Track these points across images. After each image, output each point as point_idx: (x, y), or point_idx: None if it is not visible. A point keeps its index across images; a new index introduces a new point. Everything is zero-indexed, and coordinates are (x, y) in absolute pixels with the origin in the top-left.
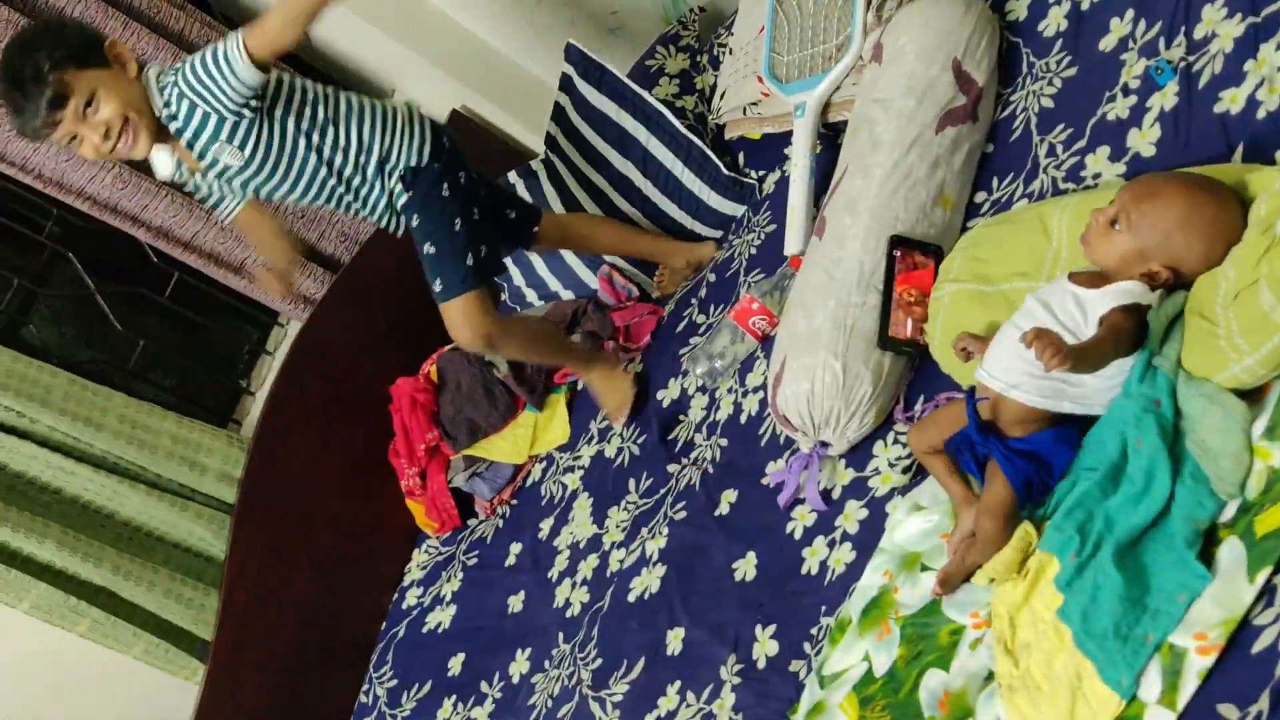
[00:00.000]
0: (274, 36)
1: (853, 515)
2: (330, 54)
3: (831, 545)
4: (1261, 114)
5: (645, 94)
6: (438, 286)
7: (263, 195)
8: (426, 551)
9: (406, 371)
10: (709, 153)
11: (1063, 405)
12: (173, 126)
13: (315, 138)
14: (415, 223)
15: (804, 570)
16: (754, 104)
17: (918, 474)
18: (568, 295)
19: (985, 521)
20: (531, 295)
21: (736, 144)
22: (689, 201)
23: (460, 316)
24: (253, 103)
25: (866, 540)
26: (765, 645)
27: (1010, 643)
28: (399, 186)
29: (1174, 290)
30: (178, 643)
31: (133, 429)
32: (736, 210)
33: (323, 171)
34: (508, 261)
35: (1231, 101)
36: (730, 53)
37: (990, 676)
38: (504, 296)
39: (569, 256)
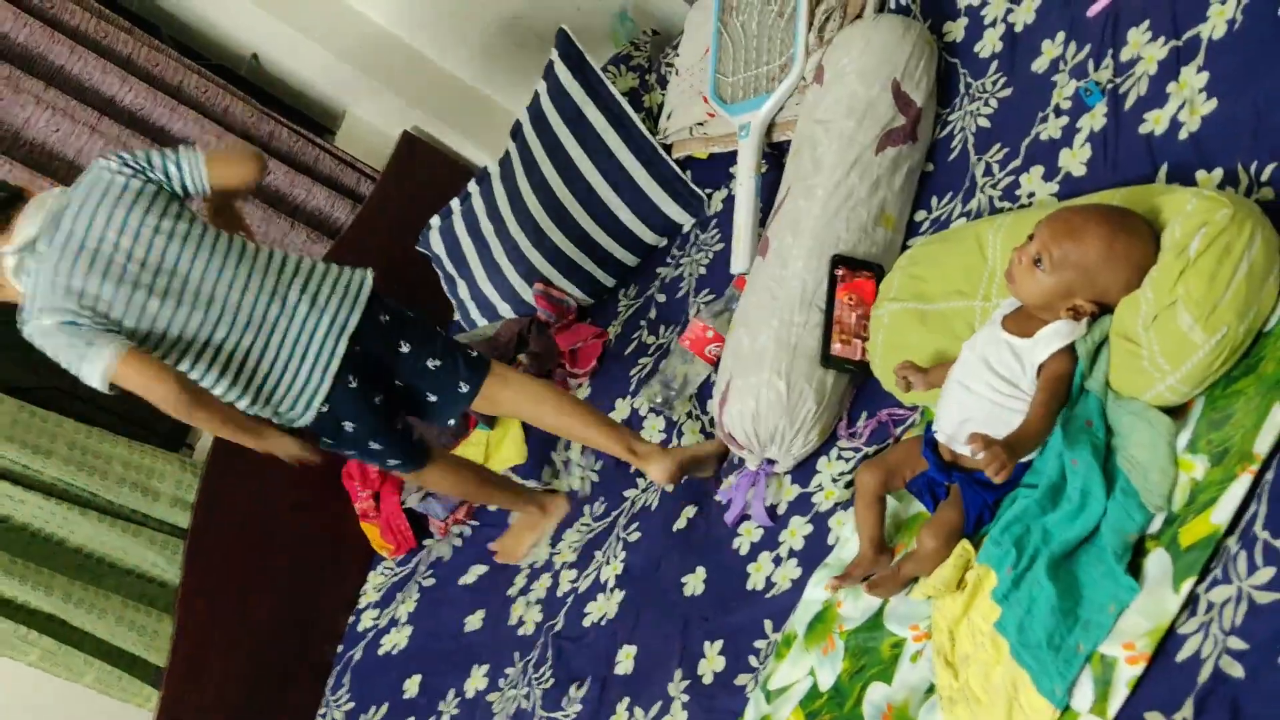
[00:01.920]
0: (224, 182)
1: (798, 531)
2: (279, 75)
3: (777, 561)
4: (1183, 135)
5: (615, 92)
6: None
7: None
8: (382, 573)
9: None
10: (668, 159)
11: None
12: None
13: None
14: (354, 382)
15: (749, 586)
16: (700, 124)
17: None
18: (507, 311)
19: (927, 539)
20: (476, 314)
21: (684, 163)
22: (640, 203)
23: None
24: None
25: (811, 555)
26: (713, 661)
27: (950, 655)
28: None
29: (1098, 316)
30: (130, 669)
31: (83, 455)
32: (685, 219)
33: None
34: (458, 283)
35: (1156, 122)
36: (676, 73)
37: (931, 689)
38: (455, 316)
39: (509, 273)
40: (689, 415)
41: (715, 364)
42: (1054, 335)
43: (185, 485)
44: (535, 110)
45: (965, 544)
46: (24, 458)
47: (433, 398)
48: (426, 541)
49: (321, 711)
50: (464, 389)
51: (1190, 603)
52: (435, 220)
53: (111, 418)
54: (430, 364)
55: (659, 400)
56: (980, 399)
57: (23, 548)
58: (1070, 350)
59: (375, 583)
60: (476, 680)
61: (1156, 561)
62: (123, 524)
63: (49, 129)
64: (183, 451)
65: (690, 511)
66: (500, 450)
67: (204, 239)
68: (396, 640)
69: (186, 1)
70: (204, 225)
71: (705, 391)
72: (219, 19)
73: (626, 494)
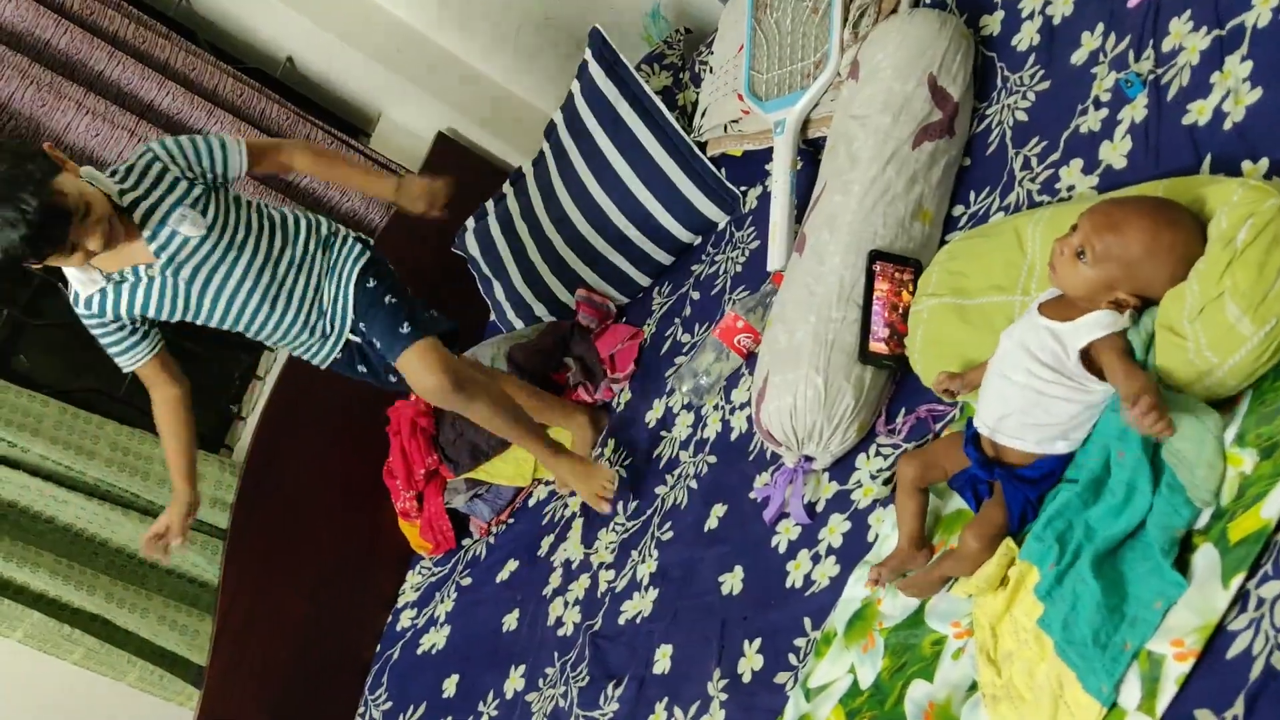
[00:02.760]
0: (278, 162)
1: (836, 529)
2: (315, 78)
3: (815, 559)
4: (1228, 125)
5: (649, 90)
6: (405, 328)
7: (204, 298)
8: (420, 573)
9: (398, 396)
10: (703, 157)
11: (1056, 446)
12: (129, 199)
13: (269, 212)
14: (372, 282)
15: (788, 584)
16: (735, 121)
17: None
18: (543, 312)
19: (970, 539)
20: (512, 315)
21: (719, 161)
22: (675, 201)
23: (430, 354)
24: (222, 181)
25: (850, 553)
26: (751, 660)
27: (993, 652)
28: (357, 246)
29: (1141, 309)
30: (172, 669)
31: (124, 456)
32: (719, 217)
33: (277, 239)
34: (494, 284)
35: (1199, 113)
36: (711, 71)
37: (974, 687)
38: (490, 317)
39: (547, 276)
40: (715, 407)
41: (745, 356)
42: (1095, 324)
43: (225, 485)
44: (569, 110)
45: (1009, 542)
46: (67, 459)
47: (378, 343)
48: (465, 541)
49: (360, 711)
50: (404, 329)
51: (1240, 599)
52: (470, 222)
53: (153, 419)
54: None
55: (688, 390)
56: (1022, 388)
57: (66, 548)
58: (1117, 340)
59: (413, 582)
60: (515, 680)
61: (1204, 557)
62: None
63: (89, 134)
64: (221, 452)
65: (720, 510)
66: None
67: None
68: (435, 640)
69: (222, 6)
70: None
71: (732, 382)
72: (254, 23)
73: (658, 491)
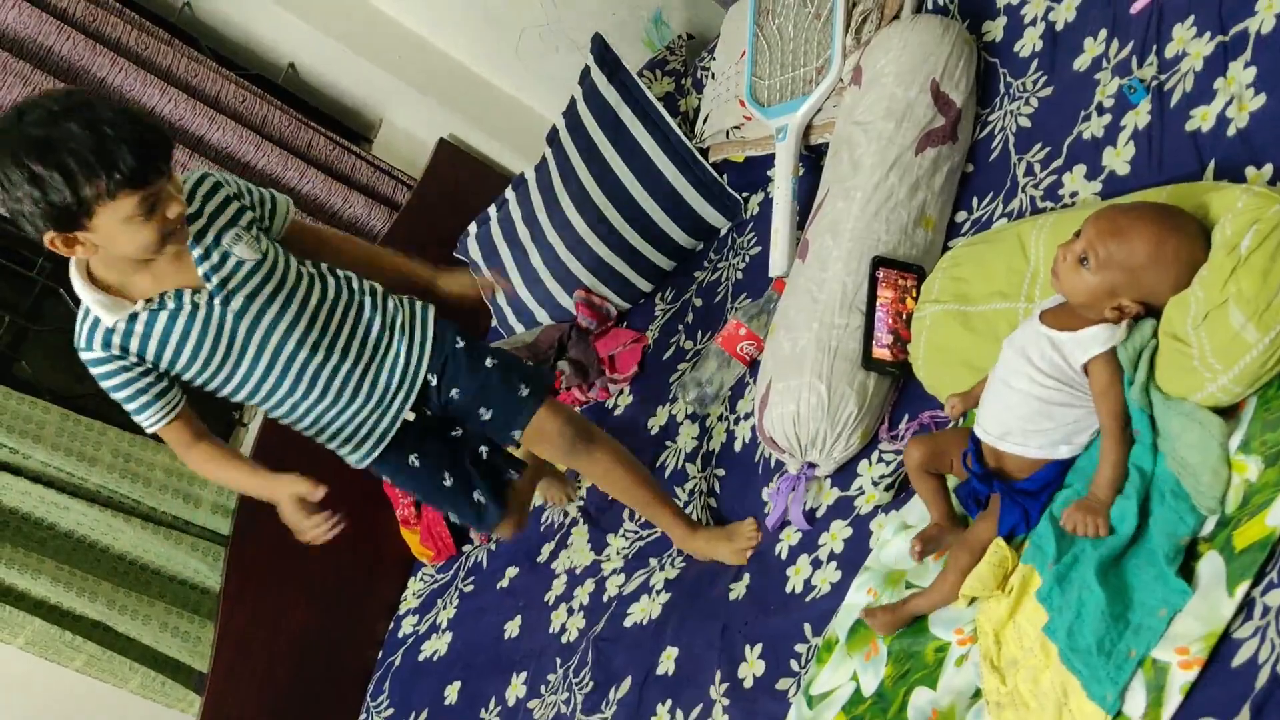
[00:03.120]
0: (320, 248)
1: (838, 534)
2: (317, 84)
3: (816, 564)
4: (1231, 131)
5: (651, 96)
6: (524, 390)
7: (253, 334)
8: (422, 580)
9: None
10: (705, 162)
11: (1059, 451)
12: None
13: (319, 266)
14: (460, 341)
15: (788, 589)
16: (736, 127)
17: (900, 491)
18: (544, 317)
19: (963, 555)
20: (514, 320)
21: (721, 166)
22: (676, 207)
23: (556, 413)
24: (266, 225)
25: (851, 559)
26: (753, 665)
27: (996, 659)
28: (431, 312)
29: (1143, 316)
30: (174, 675)
31: (126, 462)
32: (721, 223)
33: (341, 280)
34: (498, 296)
35: (1203, 119)
36: (713, 77)
37: (978, 694)
38: (493, 322)
39: (546, 279)
40: (719, 418)
41: (748, 363)
42: (1093, 340)
43: (226, 492)
44: (571, 116)
45: (1000, 543)
46: (69, 465)
47: (487, 413)
48: (466, 548)
49: (362, 717)
50: (524, 392)
51: (1245, 607)
52: (472, 227)
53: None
54: (488, 364)
55: (692, 399)
56: (1024, 395)
57: (68, 554)
58: (1113, 355)
59: (415, 589)
60: (516, 687)
61: (1209, 564)
62: (165, 531)
63: None
64: None
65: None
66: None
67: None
68: (437, 647)
69: (224, 12)
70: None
71: (737, 392)
72: (256, 29)
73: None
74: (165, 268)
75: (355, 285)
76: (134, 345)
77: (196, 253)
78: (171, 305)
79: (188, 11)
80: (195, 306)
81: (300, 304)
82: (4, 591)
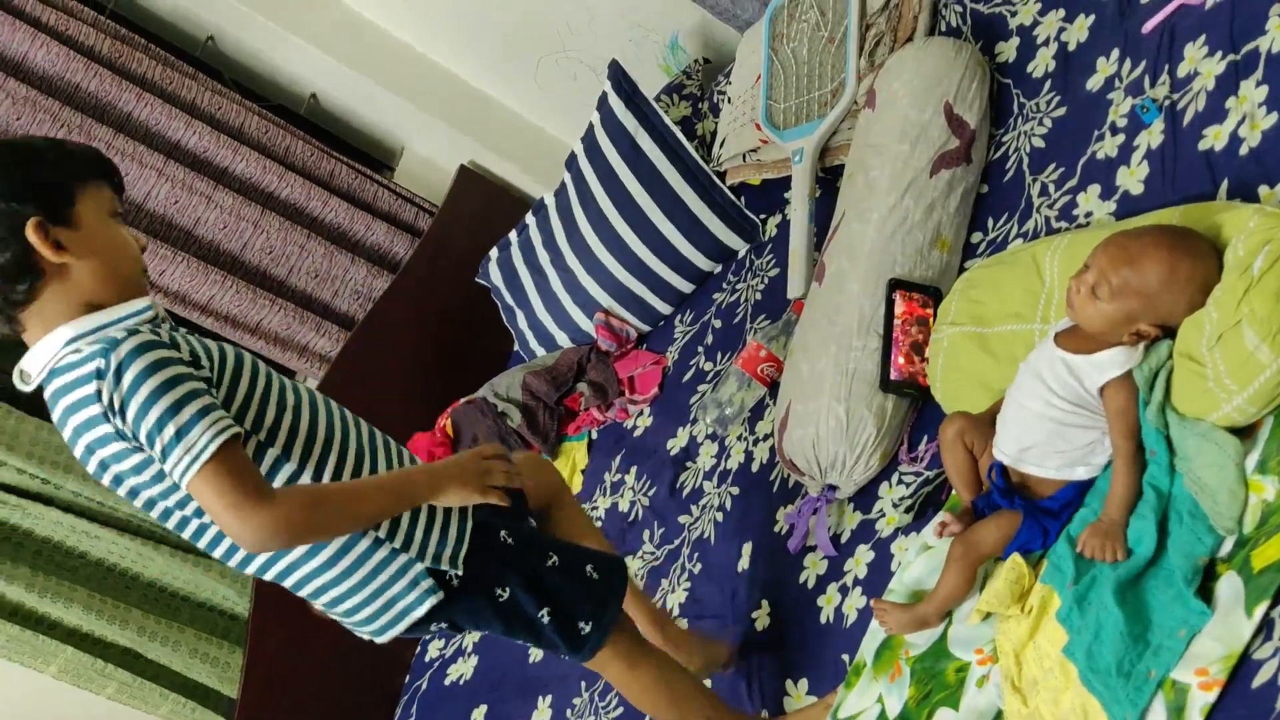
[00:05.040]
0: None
1: (862, 560)
2: (339, 114)
3: (844, 591)
4: (1244, 150)
5: (669, 121)
6: (584, 632)
7: None
8: None
9: (422, 425)
10: (723, 186)
11: (1076, 472)
12: None
13: None
14: (503, 594)
15: (822, 619)
16: (753, 151)
17: (921, 514)
18: (565, 341)
19: (960, 548)
20: (535, 343)
21: (738, 189)
22: (695, 230)
23: (619, 658)
24: None
25: (875, 583)
26: (800, 701)
27: (1018, 680)
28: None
29: (1161, 338)
30: (204, 701)
31: None
32: (739, 245)
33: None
34: (517, 314)
35: (1215, 138)
36: (729, 100)
37: (999, 715)
38: (514, 346)
39: (567, 303)
40: (739, 438)
41: (768, 384)
42: (1110, 363)
43: None
44: (589, 141)
45: (1018, 559)
46: (99, 495)
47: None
48: None
49: None
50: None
51: (1265, 627)
52: (493, 252)
53: None
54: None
55: (712, 420)
56: (1039, 417)
57: (99, 583)
58: (1129, 378)
59: None
60: (542, 711)
61: (1228, 585)
62: (194, 558)
63: None
64: None
65: (748, 548)
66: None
67: None
68: (463, 670)
69: (247, 45)
70: None
71: (756, 413)
72: (278, 62)
73: (680, 519)
74: None
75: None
76: None
77: None
78: None
79: (211, 45)
80: None
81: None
82: (37, 620)
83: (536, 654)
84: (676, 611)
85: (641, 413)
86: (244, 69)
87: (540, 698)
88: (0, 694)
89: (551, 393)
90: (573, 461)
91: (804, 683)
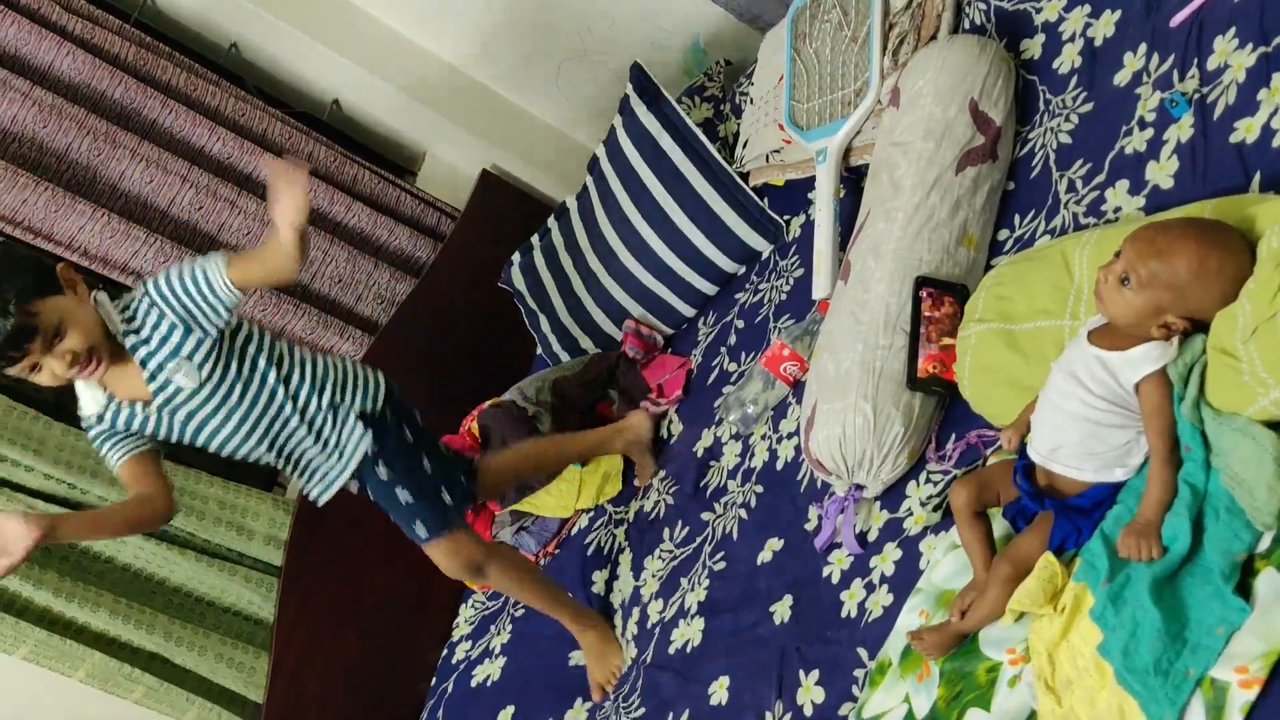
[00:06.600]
0: (254, 278)
1: (889, 557)
2: (361, 120)
3: (869, 588)
4: (1277, 142)
5: (691, 123)
6: (421, 532)
7: (199, 436)
8: (473, 606)
9: (448, 429)
10: (746, 187)
11: (1114, 474)
12: (130, 341)
13: (277, 368)
14: (384, 474)
15: (843, 614)
16: (776, 151)
17: (949, 512)
18: (588, 344)
19: (1005, 567)
20: (558, 347)
21: (761, 190)
22: (718, 232)
23: (448, 554)
24: (224, 321)
25: (902, 581)
26: (810, 691)
27: (1051, 680)
28: (359, 427)
29: (1191, 332)
30: (230, 706)
31: (180, 496)
32: (763, 246)
33: (280, 402)
34: (540, 317)
35: (1247, 131)
36: (751, 101)
37: (1032, 715)
38: (537, 350)
39: (590, 306)
40: (762, 436)
41: (791, 384)
42: (1144, 358)
43: (278, 523)
44: (612, 144)
45: (1050, 558)
46: None
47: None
48: None
49: None
50: (421, 533)
51: None
52: (516, 256)
53: (207, 459)
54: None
55: (735, 419)
56: (1075, 418)
57: (125, 588)
58: (1164, 374)
59: (466, 615)
60: (578, 712)
61: (1267, 581)
62: (220, 563)
63: (143, 180)
64: (275, 491)
65: (774, 542)
66: (593, 484)
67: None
68: (489, 672)
69: (269, 52)
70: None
71: (780, 412)
72: (301, 68)
73: (704, 517)
74: (128, 381)
75: (295, 405)
76: (107, 417)
77: (145, 374)
78: (126, 411)
79: (235, 52)
80: (147, 416)
81: (241, 417)
82: (64, 625)
83: (576, 659)
84: (695, 609)
85: (671, 420)
86: (267, 76)
87: (576, 700)
88: (30, 697)
89: (584, 399)
90: (603, 471)
91: (815, 673)
